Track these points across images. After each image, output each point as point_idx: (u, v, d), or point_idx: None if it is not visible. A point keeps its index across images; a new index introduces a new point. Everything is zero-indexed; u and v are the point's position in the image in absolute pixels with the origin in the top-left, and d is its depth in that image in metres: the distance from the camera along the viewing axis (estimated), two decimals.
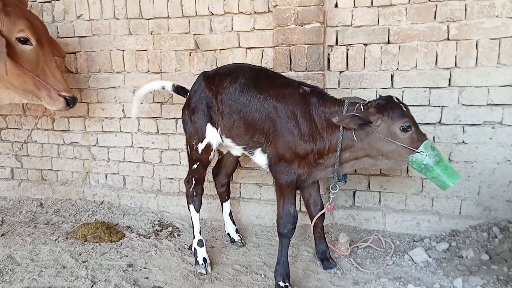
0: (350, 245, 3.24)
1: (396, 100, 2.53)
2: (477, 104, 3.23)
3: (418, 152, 2.45)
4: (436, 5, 3.20)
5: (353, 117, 2.44)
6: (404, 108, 2.50)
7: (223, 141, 3.02)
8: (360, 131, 2.54)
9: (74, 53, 4.19)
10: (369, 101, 2.58)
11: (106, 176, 4.36)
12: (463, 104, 3.27)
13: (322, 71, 3.39)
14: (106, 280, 2.90)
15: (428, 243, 3.25)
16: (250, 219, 3.85)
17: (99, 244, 3.44)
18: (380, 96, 2.60)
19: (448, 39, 3.22)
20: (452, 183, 2.45)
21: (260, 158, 2.85)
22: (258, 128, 2.76)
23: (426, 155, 2.43)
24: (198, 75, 3.18)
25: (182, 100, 3.26)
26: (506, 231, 3.05)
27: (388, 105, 2.50)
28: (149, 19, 3.89)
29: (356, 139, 2.55)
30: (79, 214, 4.10)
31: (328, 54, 3.50)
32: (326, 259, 3.02)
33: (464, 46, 3.20)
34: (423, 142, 2.45)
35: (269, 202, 3.78)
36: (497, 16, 3.10)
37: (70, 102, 3.42)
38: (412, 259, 3.05)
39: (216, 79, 2.98)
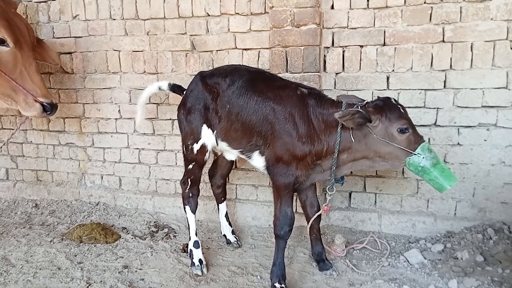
0: (346, 247, 3.25)
1: (394, 101, 2.55)
2: (472, 106, 3.25)
3: (415, 154, 2.45)
4: (432, 7, 3.21)
5: (355, 113, 2.42)
6: (402, 110, 2.52)
7: (217, 145, 3.02)
8: (358, 132, 2.54)
9: (70, 53, 4.17)
10: (366, 102, 2.59)
11: (102, 177, 4.35)
12: (458, 106, 3.29)
13: (318, 72, 3.40)
14: (101, 281, 2.89)
15: (423, 245, 3.26)
16: (246, 221, 3.85)
17: (95, 246, 3.43)
18: (378, 97, 2.61)
19: (443, 41, 3.24)
20: (449, 185, 2.45)
21: (258, 160, 2.85)
22: (256, 130, 2.76)
23: (423, 157, 2.43)
24: (194, 76, 3.17)
25: (178, 101, 3.25)
26: (500, 232, 3.08)
27: (386, 106, 2.51)
28: (145, 20, 3.88)
29: (353, 140, 2.56)
30: (75, 215, 4.08)
31: (324, 55, 3.51)
32: (322, 261, 3.02)
33: (459, 48, 3.22)
34: (420, 144, 2.46)
35: (265, 203, 3.78)
36: (491, 19, 3.12)
37: (48, 109, 3.22)
38: (408, 261, 3.06)
39: (213, 81, 2.98)
